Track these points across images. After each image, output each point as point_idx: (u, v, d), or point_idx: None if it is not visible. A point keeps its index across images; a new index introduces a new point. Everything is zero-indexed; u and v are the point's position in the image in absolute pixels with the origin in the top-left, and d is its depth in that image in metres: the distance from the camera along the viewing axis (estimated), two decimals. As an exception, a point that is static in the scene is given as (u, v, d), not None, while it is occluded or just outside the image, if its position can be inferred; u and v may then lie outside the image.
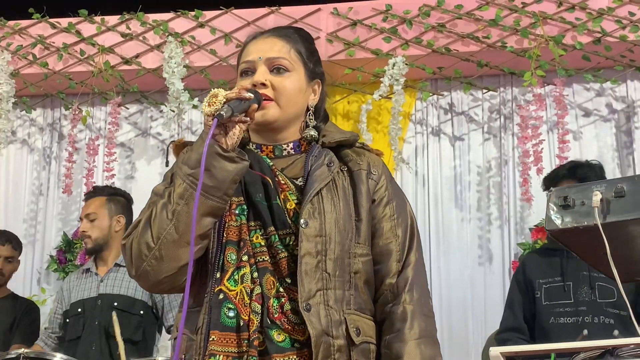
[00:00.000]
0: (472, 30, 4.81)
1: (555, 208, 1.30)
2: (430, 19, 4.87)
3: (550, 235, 1.32)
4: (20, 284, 5.12)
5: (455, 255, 4.92)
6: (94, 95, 5.19)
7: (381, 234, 1.84)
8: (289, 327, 1.68)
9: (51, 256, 5.27)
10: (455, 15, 4.84)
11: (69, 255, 5.20)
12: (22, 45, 5.24)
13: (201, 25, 5.10)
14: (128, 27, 5.16)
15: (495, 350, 1.76)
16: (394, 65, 4.74)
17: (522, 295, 3.21)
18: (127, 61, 5.11)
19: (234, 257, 1.73)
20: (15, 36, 5.28)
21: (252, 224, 1.77)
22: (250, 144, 1.90)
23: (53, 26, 5.26)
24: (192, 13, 5.14)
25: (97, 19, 5.23)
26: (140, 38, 5.15)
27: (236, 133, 1.71)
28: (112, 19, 5.23)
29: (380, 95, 4.76)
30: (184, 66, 4.88)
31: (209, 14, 5.14)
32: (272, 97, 1.83)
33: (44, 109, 5.53)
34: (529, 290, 3.19)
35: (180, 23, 5.15)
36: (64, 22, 5.26)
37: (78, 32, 5.22)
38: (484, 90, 4.94)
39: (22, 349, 2.94)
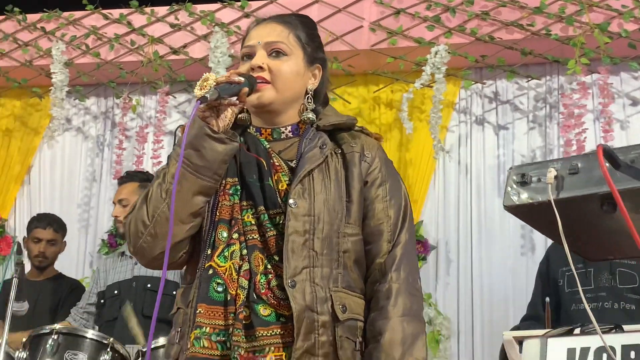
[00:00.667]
0: (516, 17, 4.76)
1: (513, 185, 1.31)
2: (474, 7, 4.84)
3: (507, 211, 1.33)
4: (73, 266, 5.32)
5: (497, 246, 4.88)
6: (143, 85, 5.33)
7: (373, 215, 1.87)
8: (275, 303, 1.73)
9: (103, 240, 5.44)
10: (499, 3, 4.80)
11: (119, 239, 5.36)
12: (75, 35, 5.41)
13: (247, 16, 5.17)
14: (176, 18, 5.28)
15: (508, 335, 1.79)
16: (436, 53, 4.74)
17: (545, 285, 3.20)
18: (175, 51, 5.23)
19: (225, 234, 1.79)
20: (69, 27, 5.45)
21: (245, 203, 1.82)
22: (251, 127, 1.95)
23: (105, 17, 5.42)
24: (238, 3, 5.21)
25: (147, 10, 5.36)
26: (188, 28, 5.26)
27: (227, 116, 1.77)
28: (162, 10, 5.35)
29: (421, 84, 4.75)
30: (229, 56, 4.97)
31: (255, 4, 5.21)
32: (269, 80, 1.87)
33: (98, 97, 5.70)
34: (552, 280, 3.17)
35: (227, 13, 5.24)
36: (115, 13, 5.42)
37: (129, 23, 5.36)
38: (527, 79, 4.89)
39: (56, 325, 3.04)
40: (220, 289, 1.75)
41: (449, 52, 4.72)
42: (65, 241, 4.66)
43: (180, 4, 5.29)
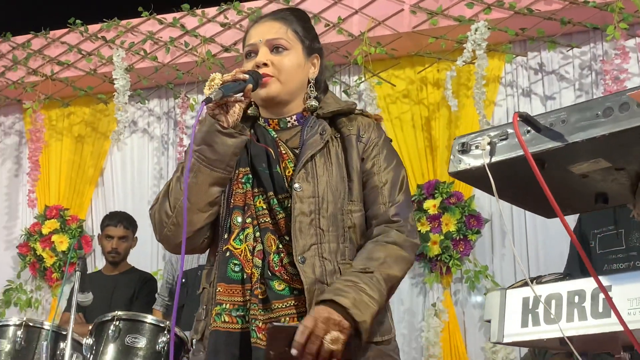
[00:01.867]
0: (554, -12, 4.79)
1: (456, 153, 1.45)
2: (512, -19, 4.89)
3: (453, 177, 1.47)
4: (147, 260, 5.63)
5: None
6: (199, 84, 5.57)
7: (370, 184, 2.04)
8: (288, 278, 1.92)
9: (173, 234, 5.72)
10: (536, -25, 4.84)
11: (187, 232, 5.63)
12: (134, 42, 5.70)
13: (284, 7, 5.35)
14: (225, 17, 5.51)
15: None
16: (476, 30, 4.81)
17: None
18: (226, 49, 5.46)
19: (239, 219, 1.99)
20: (127, 34, 5.75)
21: (256, 190, 2.02)
22: (260, 119, 2.14)
23: (160, 22, 5.69)
24: (283, -2, 5.41)
25: (198, 11, 5.60)
26: (237, 26, 5.48)
27: (236, 111, 1.95)
28: (211, 11, 5.58)
29: (463, 61, 4.83)
30: (277, 49, 5.15)
31: (299, -4, 5.39)
32: (273, 75, 2.05)
33: (160, 99, 6.00)
34: (585, 242, 3.24)
35: (273, 8, 5.36)
36: (169, 17, 5.68)
37: (182, 26, 5.61)
38: (567, 48, 4.91)
39: (116, 311, 3.31)
40: (237, 269, 1.95)
41: (488, 28, 4.79)
42: (136, 237, 4.95)
43: (229, 3, 5.51)
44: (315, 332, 1.75)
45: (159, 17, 5.69)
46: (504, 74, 5.17)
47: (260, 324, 1.88)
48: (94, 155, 6.04)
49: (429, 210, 4.97)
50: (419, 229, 4.98)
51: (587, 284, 1.45)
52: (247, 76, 1.95)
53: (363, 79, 5.19)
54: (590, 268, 1.29)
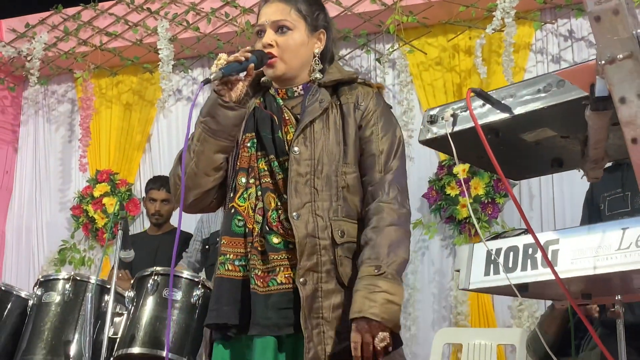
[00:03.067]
0: (582, -44, 4.86)
1: (425, 124, 1.66)
2: (541, -51, 4.98)
3: (422, 144, 1.68)
4: (186, 221, 5.89)
5: (577, 178, 5.04)
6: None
7: (367, 151, 2.25)
8: (284, 232, 2.15)
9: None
10: (565, -57, 4.92)
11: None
12: (177, 13, 5.95)
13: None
14: (264, -12, 5.70)
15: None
16: (505, -2, 4.93)
17: (590, 211, 3.43)
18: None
19: (243, 180, 2.23)
20: (171, 5, 5.99)
21: (259, 153, 2.25)
22: (272, 88, 2.36)
23: (202, -7, 5.92)
24: (320, -31, 5.56)
25: (238, -18, 5.82)
26: (275, -4, 5.66)
27: (239, 88, 2.19)
28: (251, -18, 5.79)
29: (493, 29, 4.96)
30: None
31: (336, -34, 5.54)
32: (277, 55, 2.26)
33: (202, 68, 6.25)
34: (595, 206, 3.40)
35: (309, -21, 5.59)
36: (210, -12, 5.91)
37: (223, -3, 5.84)
38: (595, 15, 4.99)
39: (155, 267, 3.59)
40: (240, 224, 2.19)
41: (517, -4, 4.91)
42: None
43: (267, -25, 5.69)
44: (364, 341, 2.03)
45: (201, -12, 5.92)
46: (534, 40, 5.28)
47: (259, 272, 2.13)
48: (141, 122, 6.34)
49: (458, 175, 5.15)
50: (448, 193, 5.16)
51: (540, 238, 1.64)
52: (249, 56, 2.17)
53: (396, 47, 5.35)
54: (528, 225, 1.49)
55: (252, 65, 2.17)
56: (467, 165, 5.15)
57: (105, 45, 6.14)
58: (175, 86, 6.17)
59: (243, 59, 2.15)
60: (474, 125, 1.56)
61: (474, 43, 5.27)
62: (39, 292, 3.64)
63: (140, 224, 6.20)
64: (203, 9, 5.89)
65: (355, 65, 5.69)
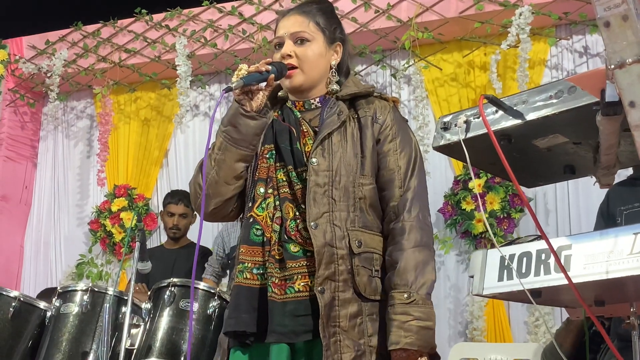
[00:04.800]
0: (597, -28, 4.89)
1: (438, 130, 1.68)
2: (557, -35, 5.01)
3: (436, 151, 1.70)
4: (204, 236, 5.94)
5: (594, 193, 5.04)
6: (256, 69, 5.84)
7: (386, 166, 2.27)
8: (302, 241, 2.18)
9: (231, 212, 6.05)
10: (580, -40, 4.95)
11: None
12: (195, 30, 6.02)
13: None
14: (281, 5, 5.77)
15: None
16: (520, 14, 4.96)
17: (605, 223, 3.43)
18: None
19: (262, 190, 2.26)
20: (189, 22, 6.07)
21: (278, 164, 2.28)
22: (289, 101, 2.40)
23: (220, 11, 5.98)
24: (336, -15, 5.63)
25: (255, 0, 5.87)
26: (292, 13, 5.72)
27: (259, 97, 2.23)
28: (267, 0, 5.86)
29: (508, 45, 4.99)
30: (330, 35, 5.39)
31: (351, -16, 5.60)
32: (296, 65, 2.30)
33: (219, 84, 6.31)
34: (611, 219, 3.40)
35: (326, -4, 5.65)
36: (228, 6, 5.97)
37: (240, 14, 5.90)
38: (610, 31, 5.01)
39: (173, 278, 3.62)
40: (258, 233, 2.22)
41: (532, 13, 4.94)
42: (196, 214, 5.27)
43: (284, -8, 5.77)
44: None
45: (218, 6, 5.99)
46: (549, 57, 5.31)
47: (277, 280, 2.15)
48: (159, 137, 6.40)
49: (474, 190, 5.16)
50: (464, 208, 5.18)
51: (552, 243, 1.66)
52: (269, 67, 2.21)
53: (411, 63, 5.39)
54: (541, 230, 1.50)
55: (272, 75, 2.20)
56: (482, 180, 5.17)
57: (124, 62, 6.23)
58: (193, 102, 6.24)
59: (264, 69, 2.19)
60: (486, 131, 1.59)
61: (489, 59, 5.31)
62: (57, 304, 3.67)
63: (157, 239, 6.24)
64: (220, 25, 5.96)
65: (371, 80, 5.73)
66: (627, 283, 1.57)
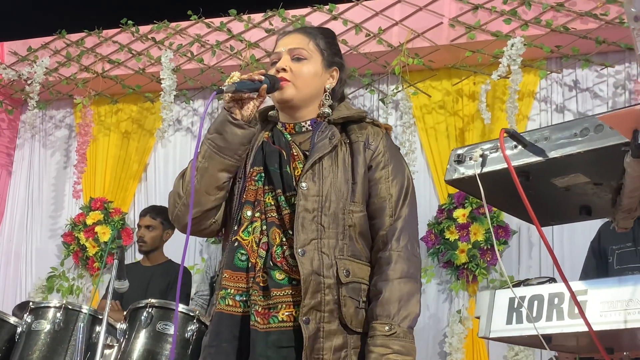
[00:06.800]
0: (591, 8, 4.88)
1: (452, 163, 1.60)
2: (549, -1, 5.00)
3: (448, 184, 1.62)
4: (189, 255, 5.83)
5: (579, 228, 5.00)
6: (242, 86, 5.75)
7: (377, 194, 2.18)
8: (288, 269, 2.08)
9: (210, 230, 5.93)
10: (574, -6, 4.94)
11: (224, 229, 5.84)
12: (182, 44, 5.93)
13: (334, 18, 5.52)
14: (270, 23, 5.71)
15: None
16: (512, 45, 4.93)
17: (597, 261, 3.38)
18: (270, 54, 5.61)
19: (249, 213, 2.16)
20: (176, 36, 5.98)
21: (266, 187, 2.19)
22: (279, 123, 2.32)
23: (208, 26, 5.91)
24: (327, 7, 5.57)
25: (245, 17, 5.80)
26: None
27: (250, 107, 2.14)
28: (257, 17, 5.78)
29: (498, 76, 4.95)
30: (318, 56, 5.33)
31: (342, 6, 5.55)
32: (290, 80, 2.22)
33: (204, 99, 6.21)
34: (603, 257, 3.35)
35: (316, 17, 5.60)
36: (216, 21, 5.89)
37: (229, 30, 5.82)
38: (601, 67, 5.00)
39: (150, 299, 3.50)
40: (243, 258, 2.13)
41: (524, 44, 4.91)
42: (170, 231, 5.12)
43: (274, 10, 5.70)
44: None
45: (207, 21, 5.91)
46: (539, 89, 5.28)
47: (260, 309, 2.06)
48: (139, 151, 6.28)
49: (458, 219, 5.10)
50: (447, 237, 5.11)
51: (565, 288, 1.58)
52: (262, 77, 2.13)
53: (400, 89, 5.33)
54: (561, 273, 1.42)
55: (264, 86, 2.12)
56: (467, 210, 5.11)
57: (107, 73, 6.11)
58: (176, 116, 6.12)
59: (257, 78, 2.11)
60: (504, 167, 1.51)
61: (478, 88, 5.27)
62: (28, 320, 3.54)
63: (132, 255, 6.10)
64: (208, 41, 5.87)
65: (358, 104, 5.67)
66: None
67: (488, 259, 5.02)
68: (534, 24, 5.02)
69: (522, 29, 5.03)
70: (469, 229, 5.08)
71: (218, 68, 5.79)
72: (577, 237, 4.96)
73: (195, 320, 3.42)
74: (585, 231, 4.94)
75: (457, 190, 5.20)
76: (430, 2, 5.31)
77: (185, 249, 1.97)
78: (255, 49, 5.70)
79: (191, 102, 6.14)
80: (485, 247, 5.02)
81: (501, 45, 5.01)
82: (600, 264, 3.38)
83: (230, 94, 2.08)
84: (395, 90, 5.39)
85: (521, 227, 5.15)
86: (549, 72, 5.11)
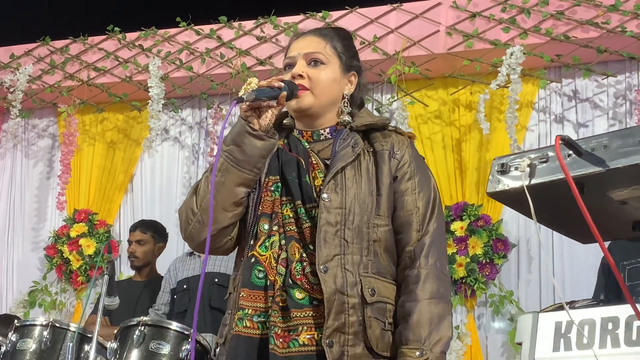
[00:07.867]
0: (592, 16, 4.78)
1: (495, 174, 1.46)
2: (549, 7, 4.89)
3: (490, 197, 1.48)
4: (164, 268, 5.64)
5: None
6: (232, 95, 5.61)
7: (403, 207, 2.03)
8: (308, 287, 1.93)
9: (199, 243, 5.76)
10: (574, 2, 4.84)
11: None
12: (170, 51, 5.76)
13: (328, 26, 5.38)
14: (262, 31, 5.56)
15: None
16: (511, 54, 4.81)
17: (606, 278, 3.26)
18: (261, 62, 5.50)
19: (266, 227, 2.00)
20: (164, 43, 5.82)
21: (284, 199, 2.03)
22: (295, 130, 2.16)
23: (197, 33, 5.75)
24: (320, 14, 5.43)
25: (235, 24, 5.65)
26: (273, 40, 5.52)
27: (268, 116, 1.98)
28: (248, 24, 5.63)
29: (497, 85, 4.83)
30: (312, 64, 5.19)
31: (335, 14, 5.42)
32: (307, 87, 2.07)
33: (193, 108, 6.05)
34: (613, 273, 3.23)
35: (309, 24, 5.44)
36: (206, 28, 5.74)
37: (219, 38, 5.67)
38: (602, 77, 4.90)
39: (143, 317, 3.32)
40: (261, 275, 1.96)
41: (524, 53, 4.80)
42: (162, 244, 4.96)
43: (266, 17, 5.56)
44: None
45: (196, 27, 5.76)
46: (537, 99, 5.17)
47: (279, 331, 1.90)
48: (124, 161, 6.09)
49: (456, 232, 4.96)
50: (445, 251, 4.97)
51: (621, 311, 1.44)
52: (282, 84, 1.98)
53: (396, 98, 5.20)
54: (628, 294, 1.28)
55: (284, 93, 1.97)
56: (465, 223, 4.98)
57: (93, 81, 5.94)
58: (163, 125, 5.94)
59: (276, 85, 1.95)
60: (556, 178, 1.37)
61: (475, 98, 5.15)
62: (13, 338, 3.35)
63: (117, 268, 5.91)
64: (197, 48, 5.72)
65: (352, 114, 5.52)
66: None
67: (487, 273, 4.88)
68: (533, 32, 4.91)
69: (521, 37, 4.92)
70: (467, 242, 4.94)
71: (208, 76, 5.63)
72: (577, 246, 4.84)
73: (190, 340, 3.25)
74: (585, 248, 4.82)
75: (455, 203, 5.07)
76: (426, 10, 5.19)
77: (204, 269, 1.80)
78: (247, 56, 5.55)
79: (180, 111, 5.96)
80: (484, 261, 4.88)
81: (499, 54, 4.90)
82: (609, 281, 3.25)
83: (248, 103, 1.93)
84: (391, 100, 5.26)
85: (520, 239, 5.02)
86: (549, 82, 4.99)
